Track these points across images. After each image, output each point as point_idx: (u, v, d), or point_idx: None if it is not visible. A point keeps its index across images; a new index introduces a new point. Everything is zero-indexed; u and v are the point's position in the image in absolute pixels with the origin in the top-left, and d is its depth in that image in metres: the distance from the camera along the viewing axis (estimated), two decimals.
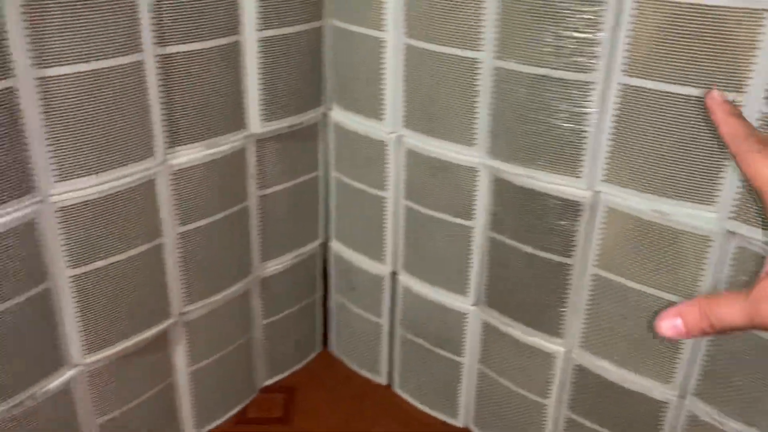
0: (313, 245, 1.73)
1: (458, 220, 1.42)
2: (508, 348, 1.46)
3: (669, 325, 0.40)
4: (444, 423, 1.66)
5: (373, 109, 1.46)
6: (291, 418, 1.67)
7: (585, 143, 1.18)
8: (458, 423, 1.65)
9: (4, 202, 1.05)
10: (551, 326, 1.36)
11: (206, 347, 1.53)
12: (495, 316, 1.45)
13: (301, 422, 1.66)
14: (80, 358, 1.27)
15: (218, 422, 1.64)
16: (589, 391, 1.36)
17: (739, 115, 0.44)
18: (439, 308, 1.54)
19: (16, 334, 1.14)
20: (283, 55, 1.41)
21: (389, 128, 1.45)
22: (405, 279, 1.59)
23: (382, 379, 1.78)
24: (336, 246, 1.73)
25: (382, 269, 1.63)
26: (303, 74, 1.48)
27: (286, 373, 1.79)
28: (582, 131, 1.17)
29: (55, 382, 1.24)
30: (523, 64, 1.19)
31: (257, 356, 1.70)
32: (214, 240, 1.44)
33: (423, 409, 1.70)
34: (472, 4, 1.22)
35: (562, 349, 1.37)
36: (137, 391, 1.42)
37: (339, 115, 1.56)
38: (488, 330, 1.48)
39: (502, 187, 1.32)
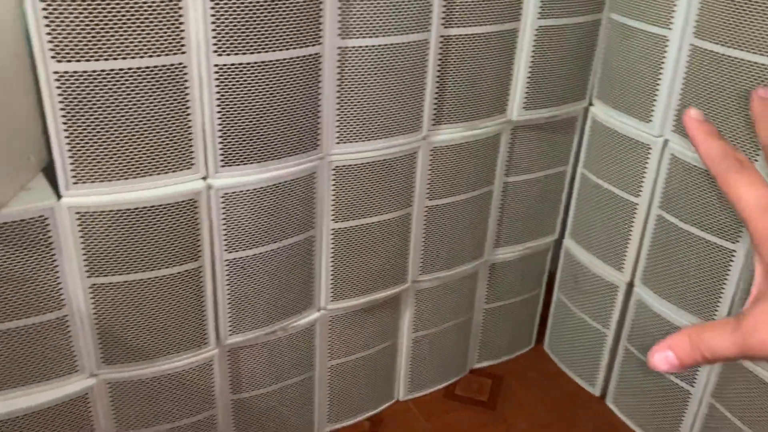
0: (546, 240, 1.71)
1: (719, 241, 1.30)
2: (752, 388, 1.32)
3: (661, 357, 0.38)
4: None
5: (641, 109, 1.39)
6: (496, 405, 1.69)
7: None
8: None
9: (296, 154, 1.19)
10: None
11: (430, 318, 1.60)
12: None
13: (506, 411, 1.67)
14: (326, 303, 1.41)
15: (428, 391, 1.71)
16: None
17: (717, 135, 0.41)
18: (674, 330, 1.44)
19: (285, 271, 1.29)
20: (556, 45, 1.40)
21: (656, 131, 1.38)
22: (642, 292, 1.51)
23: (594, 389, 1.72)
24: (569, 244, 1.70)
25: (619, 278, 1.56)
26: (571, 66, 1.45)
27: (496, 361, 1.81)
28: None
29: (303, 320, 1.39)
30: None
31: (473, 338, 1.74)
32: (456, 219, 1.49)
33: (635, 430, 1.61)
34: None
35: None
36: (365, 344, 1.53)
37: (600, 111, 1.51)
38: (731, 363, 1.35)
39: None
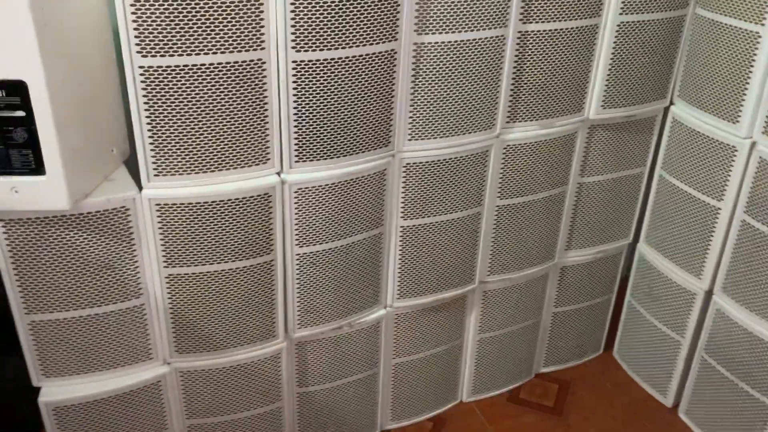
0: (620, 244, 1.65)
1: None
2: None
3: None
4: None
5: (727, 109, 1.33)
6: (562, 411, 1.65)
7: None
8: None
9: (368, 150, 1.19)
10: None
11: (497, 320, 1.57)
12: None
13: (572, 417, 1.62)
14: (393, 300, 1.40)
15: (491, 394, 1.68)
16: None
17: None
18: (758, 342, 1.37)
19: (353, 268, 1.30)
20: (638, 42, 1.34)
21: (744, 133, 1.31)
22: (721, 301, 1.44)
23: (666, 400, 1.65)
24: (644, 249, 1.63)
25: (697, 285, 1.49)
26: (653, 64, 1.40)
27: (564, 366, 1.76)
28: None
29: (369, 317, 1.39)
30: None
31: (540, 341, 1.70)
32: (527, 219, 1.46)
33: None
34: None
35: None
36: (430, 344, 1.51)
37: (682, 111, 1.45)
38: None
39: None
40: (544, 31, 1.24)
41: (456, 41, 1.16)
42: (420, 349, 1.51)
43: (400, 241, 1.34)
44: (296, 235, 1.19)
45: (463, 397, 1.66)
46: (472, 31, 1.16)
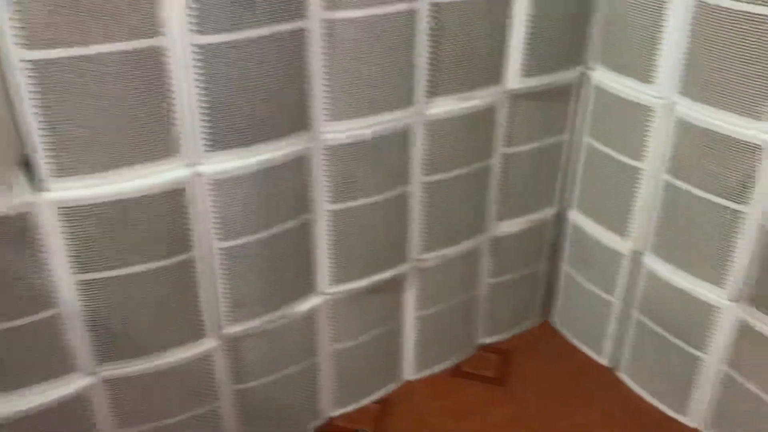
0: (548, 211, 1.66)
1: (730, 204, 1.26)
2: None
3: None
4: (671, 418, 1.54)
5: (643, 71, 1.34)
6: (505, 381, 1.66)
7: None
8: (689, 422, 1.51)
9: (286, 135, 1.14)
10: None
11: (434, 296, 1.56)
12: (759, 317, 1.28)
13: (515, 386, 1.64)
14: (326, 287, 1.37)
15: (434, 370, 1.67)
16: None
17: None
18: (686, 297, 1.40)
19: (282, 257, 1.25)
20: (553, 7, 1.33)
21: (659, 93, 1.32)
22: (650, 260, 1.46)
23: (604, 360, 1.69)
24: (574, 215, 1.65)
25: (624, 246, 1.51)
26: (569, 29, 1.39)
27: (504, 336, 1.78)
28: None
29: (304, 306, 1.35)
30: None
31: (479, 314, 1.70)
32: (456, 193, 1.45)
33: (648, 399, 1.58)
34: None
35: None
36: (368, 327, 1.49)
37: (601, 76, 1.45)
38: (746, 330, 1.32)
39: None
40: (458, 2, 1.22)
41: (368, 16, 1.12)
42: (359, 333, 1.49)
43: (330, 226, 1.30)
44: (217, 229, 1.14)
45: (408, 375, 1.65)
46: (383, 4, 1.12)
